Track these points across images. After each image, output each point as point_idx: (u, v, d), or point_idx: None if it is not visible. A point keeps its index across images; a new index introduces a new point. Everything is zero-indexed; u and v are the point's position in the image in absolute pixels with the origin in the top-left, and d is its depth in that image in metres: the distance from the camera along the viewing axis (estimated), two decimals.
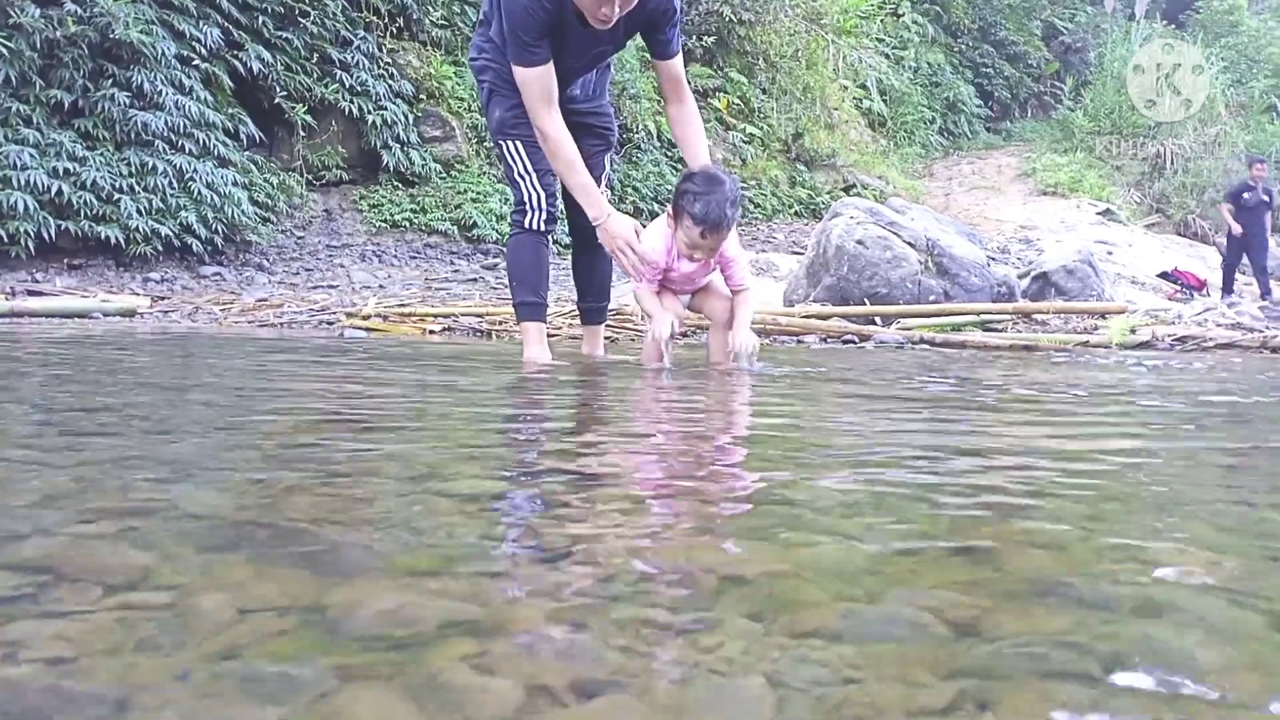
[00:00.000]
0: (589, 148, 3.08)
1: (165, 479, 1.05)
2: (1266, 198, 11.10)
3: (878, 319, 5.28)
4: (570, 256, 3.35)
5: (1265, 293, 10.64)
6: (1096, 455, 1.40)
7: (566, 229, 3.29)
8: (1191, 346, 5.17)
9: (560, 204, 3.06)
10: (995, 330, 5.28)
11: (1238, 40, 20.97)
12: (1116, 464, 1.32)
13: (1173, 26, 21.32)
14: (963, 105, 18.66)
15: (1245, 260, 10.97)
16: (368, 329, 4.51)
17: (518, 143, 2.97)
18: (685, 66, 3.12)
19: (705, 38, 11.71)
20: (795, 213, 12.29)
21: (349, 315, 4.89)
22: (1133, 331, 5.23)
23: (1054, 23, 21.21)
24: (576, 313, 3.59)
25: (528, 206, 2.98)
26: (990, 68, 20.15)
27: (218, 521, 0.86)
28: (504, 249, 8.72)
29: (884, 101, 15.26)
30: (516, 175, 2.97)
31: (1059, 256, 7.55)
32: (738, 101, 12.06)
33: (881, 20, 14.93)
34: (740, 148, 11.86)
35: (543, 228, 3.00)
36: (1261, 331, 5.55)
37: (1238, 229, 10.76)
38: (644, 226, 2.96)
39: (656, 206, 10.10)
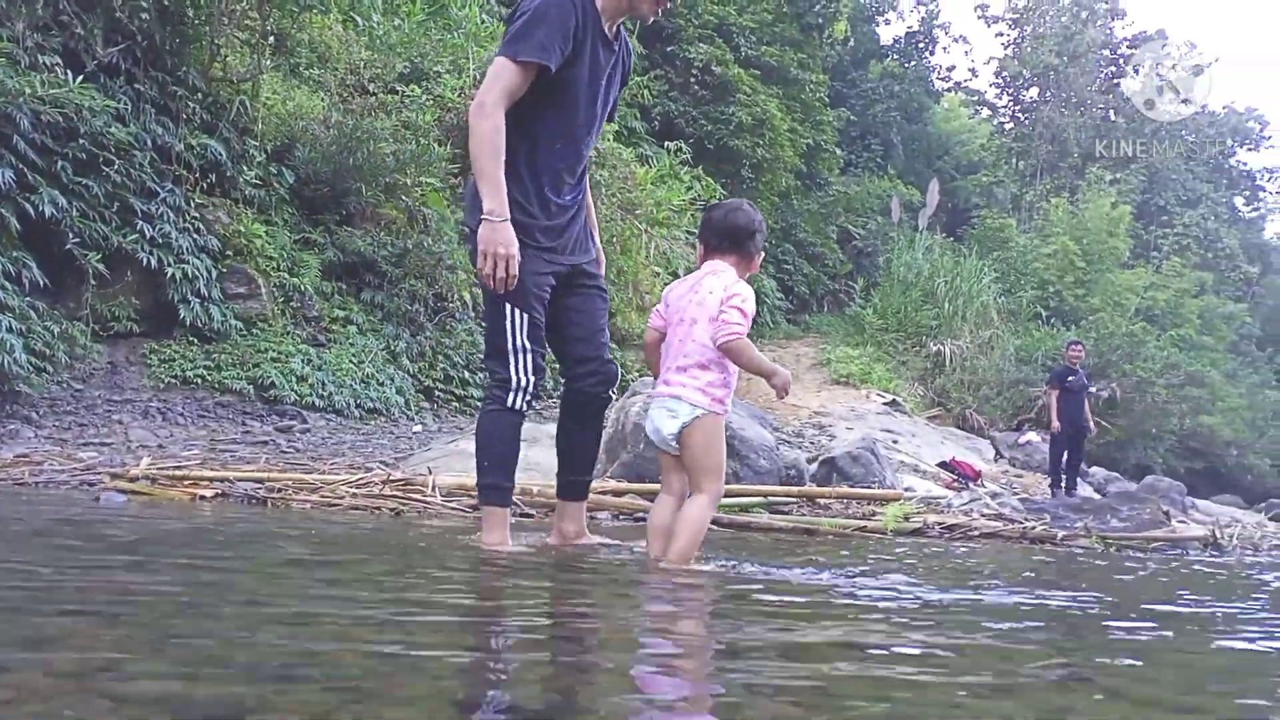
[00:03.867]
0: (596, 314, 3.05)
1: None
2: (1088, 383, 11.07)
3: None
4: (559, 424, 3.12)
5: (1072, 486, 10.74)
6: None
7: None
8: (959, 535, 5.50)
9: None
10: (781, 512, 5.46)
11: (1007, 254, 23.43)
12: None
13: (951, 239, 23.68)
14: (766, 297, 19.84)
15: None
16: (132, 492, 4.22)
17: (525, 317, 2.82)
18: None
19: None
20: None
21: (114, 476, 4.57)
22: (906, 519, 5.53)
23: (848, 228, 23.16)
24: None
25: (513, 386, 2.82)
26: (791, 265, 21.66)
27: None
28: (302, 411, 8.49)
29: None
30: (510, 348, 2.80)
31: (845, 443, 7.98)
32: None
33: (692, 214, 15.85)
34: None
35: (525, 409, 2.86)
36: (1021, 523, 5.99)
37: (1056, 425, 10.73)
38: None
39: (468, 374, 10.10)
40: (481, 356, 10.05)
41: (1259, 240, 40.59)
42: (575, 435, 3.08)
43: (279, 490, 4.22)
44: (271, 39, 9.55)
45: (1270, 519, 12.05)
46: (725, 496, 5.38)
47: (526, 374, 2.84)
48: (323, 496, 4.13)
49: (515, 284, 2.71)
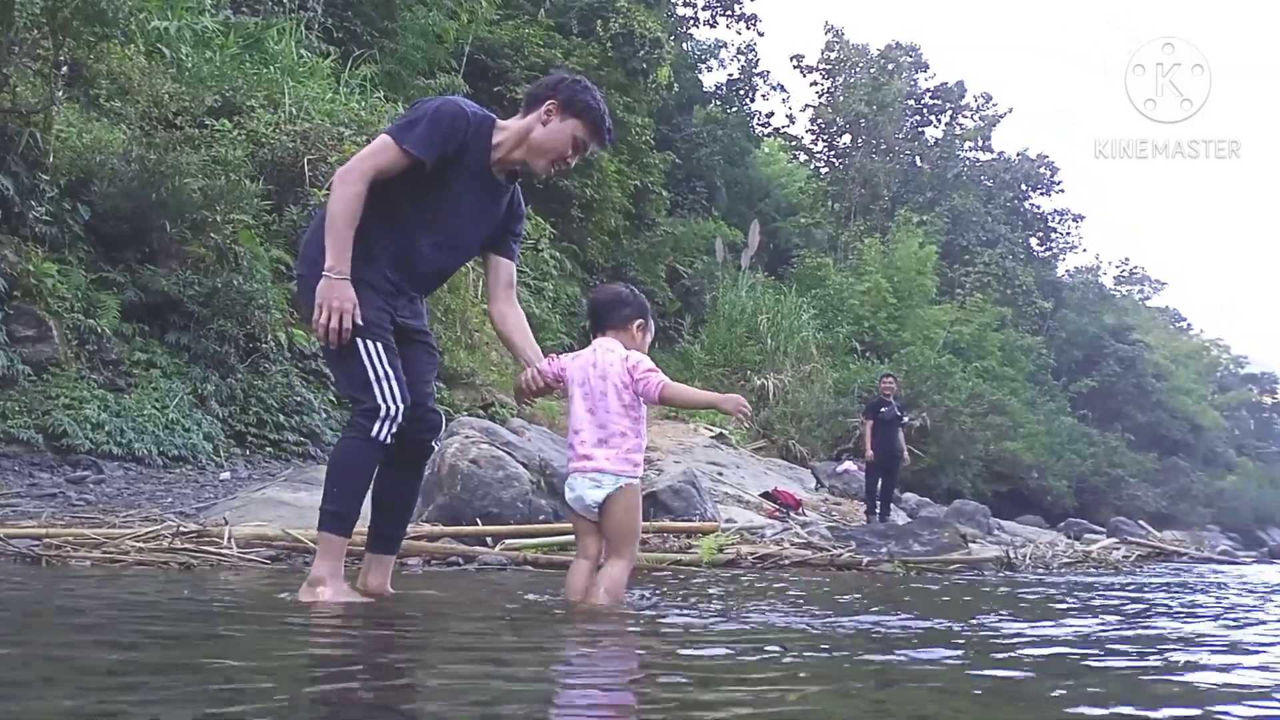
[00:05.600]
0: (424, 365, 3.01)
1: None
2: (900, 413, 11.57)
3: (488, 539, 5.33)
4: (377, 473, 2.90)
5: (885, 513, 11.13)
6: None
7: None
8: (770, 564, 5.67)
9: None
10: None
11: (825, 292, 24.47)
12: None
13: (773, 278, 24.56)
14: None
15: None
16: None
17: (378, 344, 2.78)
18: None
19: None
20: None
21: None
22: (720, 550, 5.67)
23: (676, 268, 23.67)
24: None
25: (382, 415, 2.75)
26: None
27: None
28: (98, 460, 7.94)
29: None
30: (372, 377, 2.75)
31: (669, 477, 8.11)
32: None
33: (522, 254, 15.90)
34: None
35: (389, 442, 2.78)
36: (829, 550, 6.23)
37: (870, 455, 11.11)
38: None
39: (283, 418, 9.70)
40: (297, 400, 9.73)
41: (1052, 277, 43.89)
42: (394, 484, 3.01)
43: (57, 547, 3.93)
44: (65, 69, 9.00)
45: (1070, 537, 12.96)
46: (545, 535, 5.38)
47: (395, 401, 2.78)
48: (105, 553, 3.87)
49: (347, 335, 2.74)
